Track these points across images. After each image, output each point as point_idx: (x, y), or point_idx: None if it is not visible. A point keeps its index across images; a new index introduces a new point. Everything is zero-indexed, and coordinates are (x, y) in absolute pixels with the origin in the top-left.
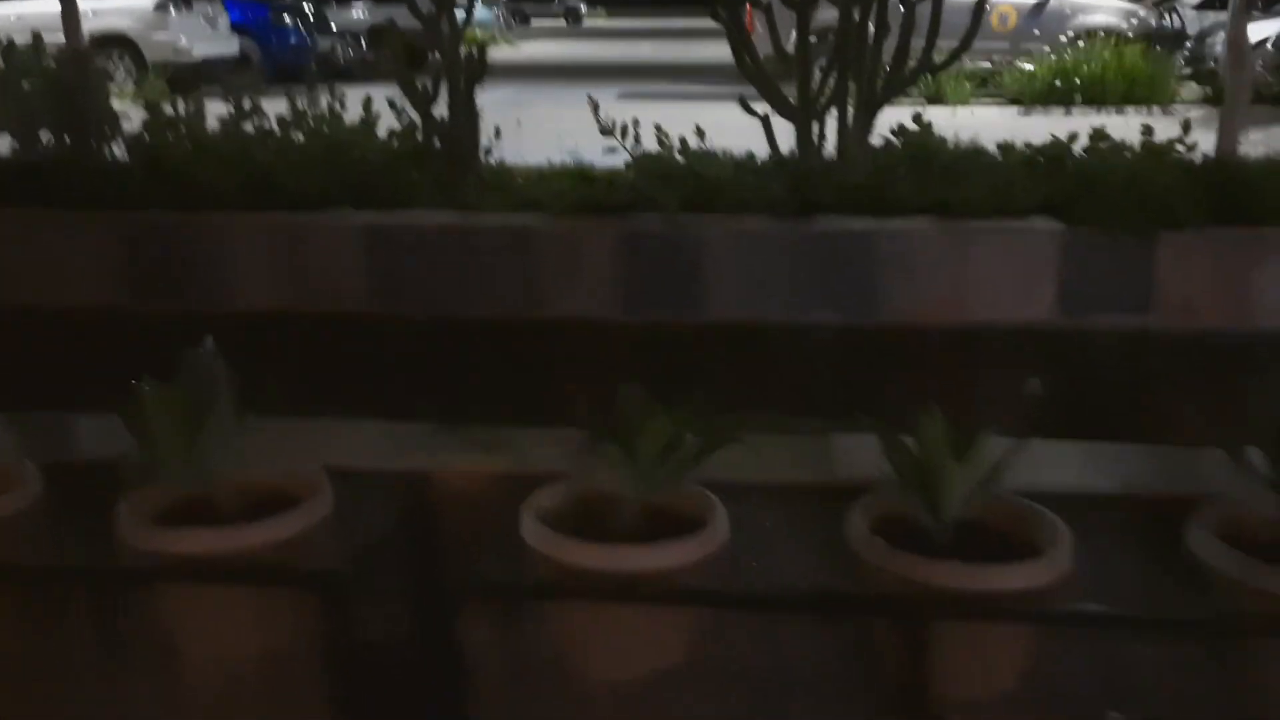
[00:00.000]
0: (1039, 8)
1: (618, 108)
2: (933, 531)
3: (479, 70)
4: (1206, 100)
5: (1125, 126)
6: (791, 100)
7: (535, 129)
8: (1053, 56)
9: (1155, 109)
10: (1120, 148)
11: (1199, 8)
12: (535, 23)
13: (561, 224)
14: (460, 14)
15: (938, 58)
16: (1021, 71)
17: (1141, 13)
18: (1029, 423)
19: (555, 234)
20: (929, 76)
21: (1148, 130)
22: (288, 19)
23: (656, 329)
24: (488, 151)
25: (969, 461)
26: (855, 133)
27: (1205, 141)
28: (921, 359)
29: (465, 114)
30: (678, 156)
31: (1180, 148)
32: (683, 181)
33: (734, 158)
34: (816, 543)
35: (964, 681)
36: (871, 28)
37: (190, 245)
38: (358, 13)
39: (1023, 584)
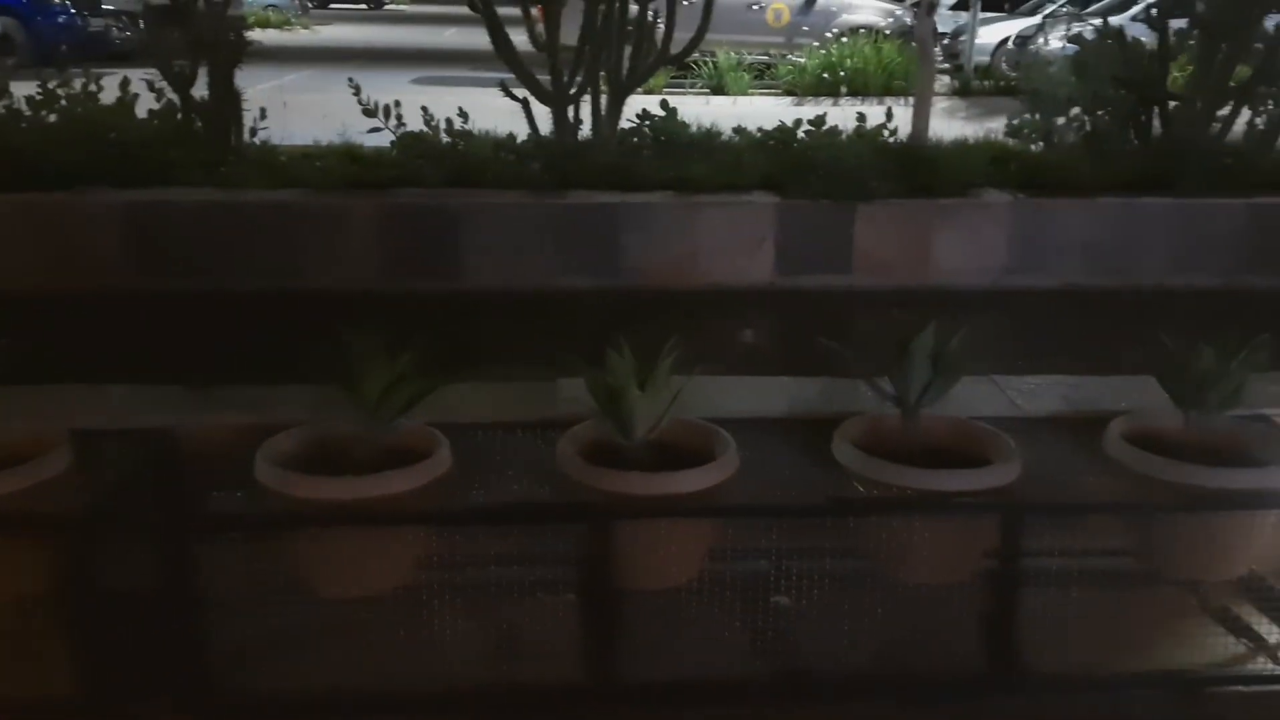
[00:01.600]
0: (808, 5)
1: (410, 92)
2: (626, 450)
3: (237, 52)
4: (955, 93)
5: (878, 115)
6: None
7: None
8: (821, 51)
9: (911, 100)
10: (835, 132)
11: (953, 8)
12: (335, 6)
13: (324, 199)
14: None
15: (719, 51)
16: (794, 65)
17: (899, 12)
18: (738, 363)
19: (318, 208)
20: (713, 68)
21: (861, 117)
22: None
23: (417, 296)
24: (253, 132)
25: (651, 391)
26: (606, 118)
27: (941, 126)
28: (660, 315)
29: (225, 95)
30: (443, 137)
31: (885, 133)
32: (445, 160)
33: (497, 138)
34: (533, 468)
35: (654, 574)
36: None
37: None
38: None
39: (695, 487)
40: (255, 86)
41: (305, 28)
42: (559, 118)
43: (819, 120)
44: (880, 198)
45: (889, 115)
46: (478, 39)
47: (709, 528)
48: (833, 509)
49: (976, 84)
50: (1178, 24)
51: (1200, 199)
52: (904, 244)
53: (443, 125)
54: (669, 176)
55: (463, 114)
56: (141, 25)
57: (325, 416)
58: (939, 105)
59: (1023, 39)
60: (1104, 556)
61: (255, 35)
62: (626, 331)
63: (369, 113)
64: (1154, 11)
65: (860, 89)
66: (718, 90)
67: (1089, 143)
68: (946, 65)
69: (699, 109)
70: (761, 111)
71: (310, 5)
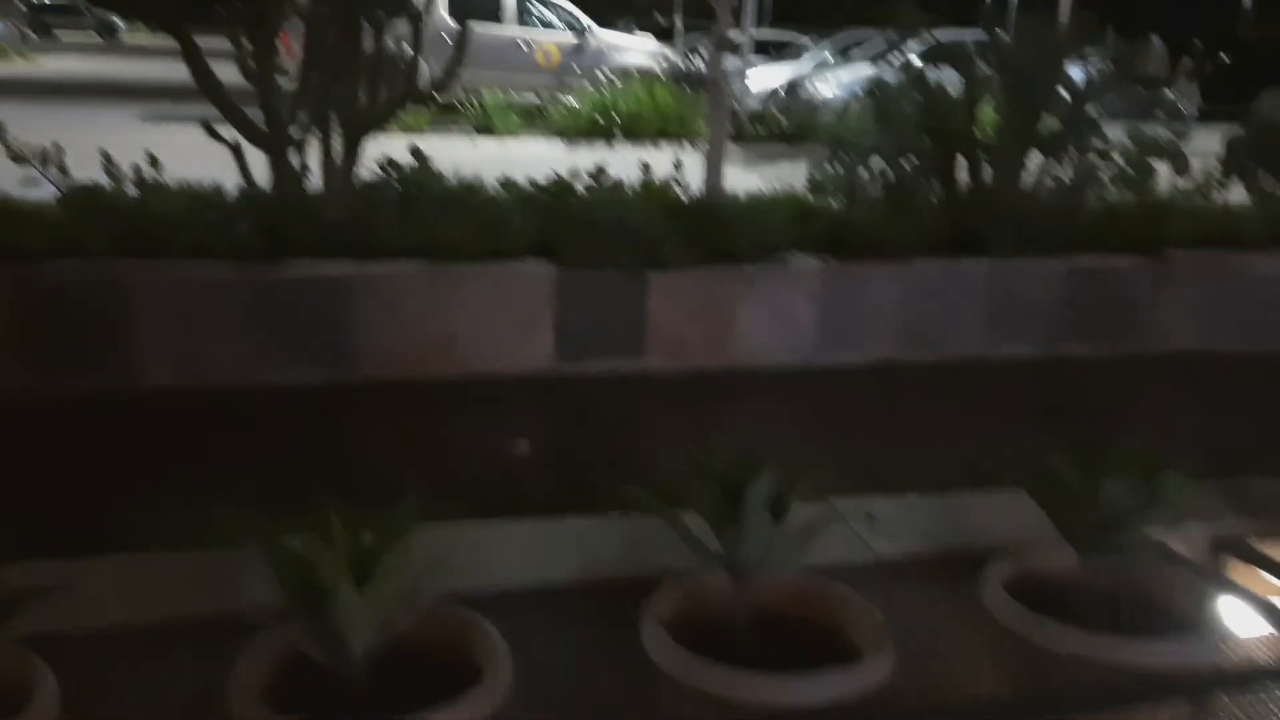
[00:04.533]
0: (579, 46)
1: (136, 131)
2: (340, 669)
3: None
4: (731, 138)
5: (657, 161)
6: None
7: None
8: (594, 93)
9: (685, 143)
10: (619, 186)
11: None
12: (64, 36)
13: None
14: None
15: (486, 90)
16: (566, 106)
17: (671, 55)
18: (508, 491)
19: None
20: (479, 107)
21: (645, 168)
22: None
23: (74, 402)
24: None
25: (379, 580)
26: (340, 165)
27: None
28: (404, 418)
29: None
30: (130, 189)
31: (675, 185)
32: (123, 219)
33: (199, 191)
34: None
35: None
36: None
37: None
38: None
39: None
40: None
41: (25, 58)
42: (278, 165)
43: (600, 171)
44: (675, 266)
45: (678, 166)
46: (223, 73)
47: None
48: None
49: (751, 130)
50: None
51: (1017, 260)
52: (703, 319)
53: (131, 174)
54: (419, 240)
55: (152, 160)
56: None
57: None
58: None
59: (793, 85)
60: None
61: None
62: (354, 448)
63: (18, 158)
64: (929, 58)
65: (635, 133)
66: (485, 131)
67: (894, 197)
68: None
69: (464, 152)
70: (533, 155)
71: (33, 35)
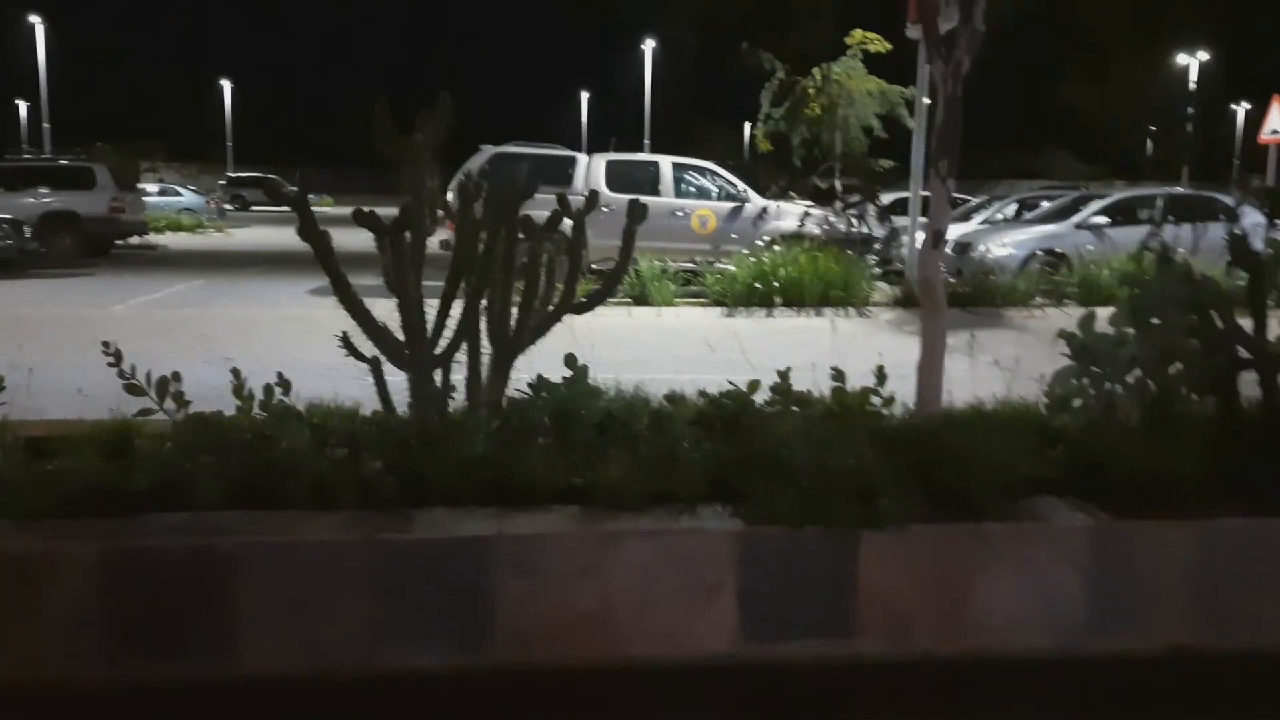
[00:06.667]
0: (736, 212)
1: (304, 305)
2: None
3: None
4: (897, 303)
5: (821, 329)
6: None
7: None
8: (752, 259)
9: (851, 310)
10: (808, 401)
11: (883, 212)
12: (256, 209)
13: (13, 543)
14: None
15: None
16: (723, 273)
17: (832, 218)
18: None
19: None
20: (635, 276)
21: (839, 376)
22: None
23: (152, 696)
24: None
25: None
26: (488, 385)
27: (897, 348)
28: (549, 717)
29: None
30: (257, 412)
31: (875, 400)
32: (238, 457)
33: (338, 411)
34: None
35: None
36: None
37: None
38: (32, 198)
39: None
40: (127, 301)
41: (220, 230)
42: (417, 387)
43: (784, 383)
44: (892, 519)
45: (880, 376)
46: None
47: None
48: None
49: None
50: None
51: None
52: (931, 589)
53: (259, 395)
54: (571, 480)
55: (283, 382)
56: (26, 233)
57: None
58: (882, 317)
59: (962, 245)
60: None
61: (161, 240)
62: None
63: (134, 389)
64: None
65: (796, 298)
66: (640, 301)
67: (1162, 421)
68: (878, 270)
69: (620, 322)
70: (688, 324)
71: (230, 208)
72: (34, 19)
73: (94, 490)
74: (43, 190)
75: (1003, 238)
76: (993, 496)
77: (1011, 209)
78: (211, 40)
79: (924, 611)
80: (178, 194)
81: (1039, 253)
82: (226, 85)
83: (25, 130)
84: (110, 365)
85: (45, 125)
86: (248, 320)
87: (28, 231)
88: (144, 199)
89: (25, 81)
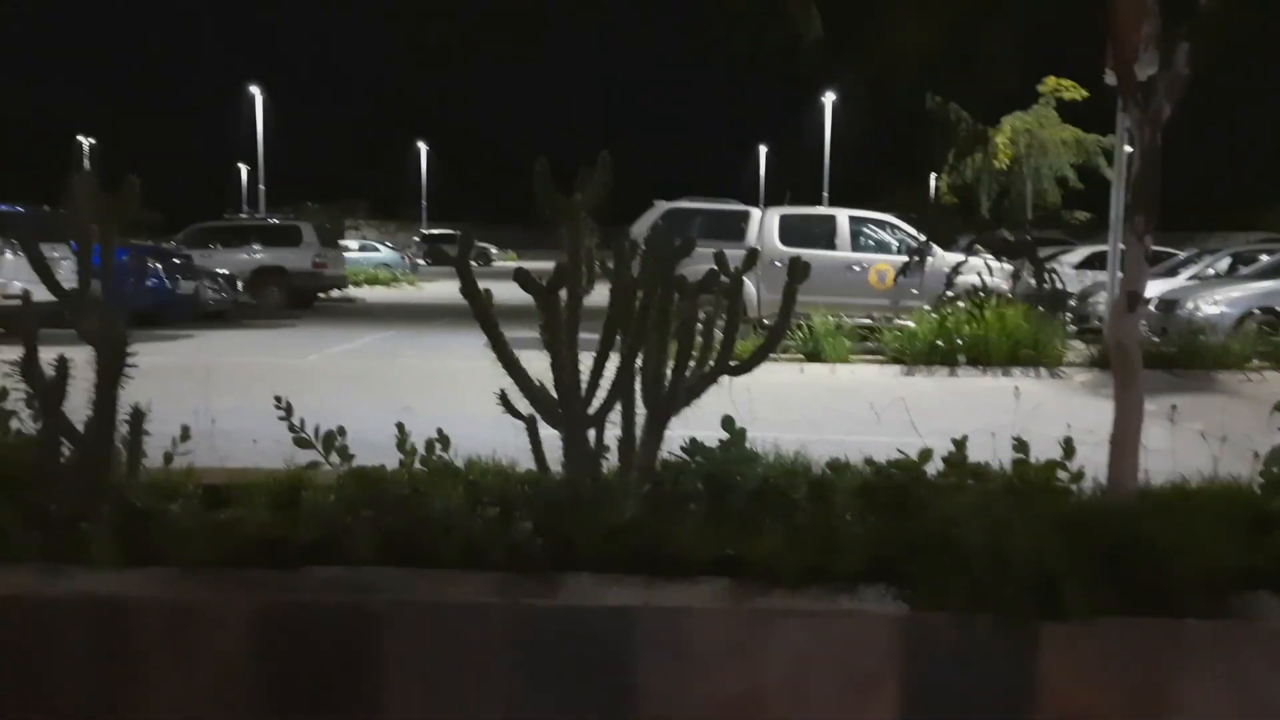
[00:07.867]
0: (916, 266)
1: (480, 358)
2: None
3: (118, 357)
4: (1093, 363)
5: (1007, 390)
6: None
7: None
8: (934, 315)
9: (1042, 370)
10: (983, 475)
11: (1079, 267)
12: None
13: (177, 592)
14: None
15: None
16: (903, 329)
17: (1022, 273)
18: None
19: (163, 607)
20: (808, 332)
21: (1021, 446)
22: (148, 262)
23: None
24: (168, 458)
25: None
26: (642, 447)
27: (1091, 414)
28: None
29: (102, 416)
30: (418, 467)
31: (1062, 475)
32: (394, 514)
33: (496, 469)
34: None
35: None
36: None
37: None
38: (246, 254)
39: None
40: (323, 350)
41: (412, 284)
42: (570, 447)
43: (959, 453)
44: (1077, 614)
45: (1068, 450)
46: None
47: None
48: None
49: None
50: None
51: None
52: (1121, 693)
53: (420, 449)
54: (724, 550)
55: (442, 438)
56: (239, 287)
57: None
58: (1076, 378)
59: (1168, 302)
60: None
61: (359, 293)
62: None
63: (302, 442)
64: None
65: (981, 358)
66: (813, 357)
67: None
68: (1074, 328)
69: (789, 379)
70: (863, 381)
71: (425, 263)
72: (254, 89)
73: (259, 541)
74: (255, 247)
75: (1214, 294)
76: (1195, 590)
77: (1224, 263)
78: (414, 105)
79: (1109, 716)
80: (376, 249)
81: (1256, 311)
82: (423, 147)
83: (245, 191)
84: (281, 419)
85: (261, 186)
86: (429, 371)
87: (240, 285)
88: (344, 254)
89: (244, 146)
